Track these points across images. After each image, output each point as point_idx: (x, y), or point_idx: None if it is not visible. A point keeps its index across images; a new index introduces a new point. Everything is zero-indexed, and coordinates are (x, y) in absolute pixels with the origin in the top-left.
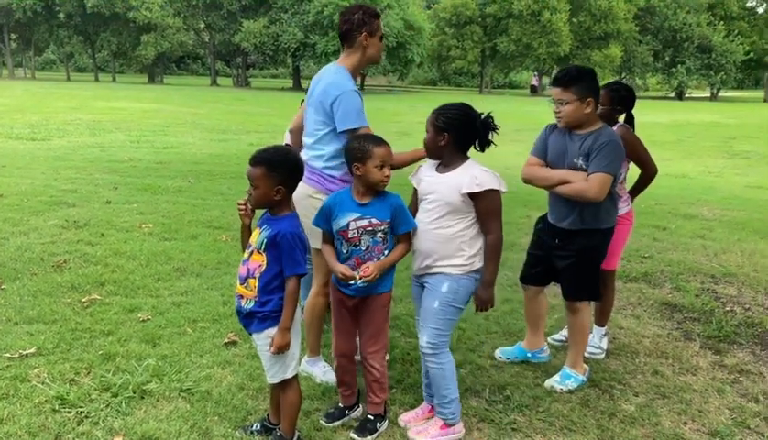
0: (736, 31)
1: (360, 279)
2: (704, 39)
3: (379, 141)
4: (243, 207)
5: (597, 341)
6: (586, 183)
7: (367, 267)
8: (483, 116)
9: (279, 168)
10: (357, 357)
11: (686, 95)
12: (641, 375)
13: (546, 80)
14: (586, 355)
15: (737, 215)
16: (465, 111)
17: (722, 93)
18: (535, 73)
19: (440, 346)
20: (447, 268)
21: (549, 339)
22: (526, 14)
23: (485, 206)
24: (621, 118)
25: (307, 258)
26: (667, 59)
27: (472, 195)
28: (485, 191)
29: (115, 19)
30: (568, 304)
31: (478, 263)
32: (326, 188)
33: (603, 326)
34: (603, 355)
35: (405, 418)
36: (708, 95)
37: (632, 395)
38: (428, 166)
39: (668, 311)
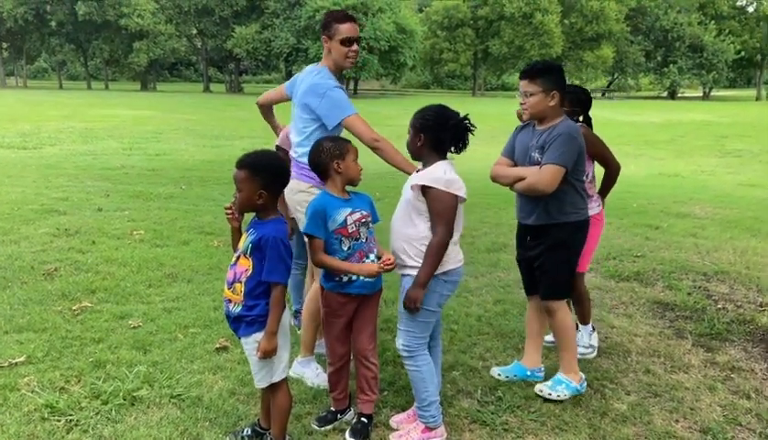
0: (727, 30)
1: (385, 267)
2: (695, 39)
3: (345, 139)
4: (230, 211)
5: (586, 340)
6: (536, 176)
7: (389, 258)
8: (459, 117)
9: (262, 172)
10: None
11: (679, 95)
12: (632, 374)
13: None
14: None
15: (729, 213)
16: (440, 112)
17: (714, 92)
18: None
19: (415, 349)
20: (413, 269)
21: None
22: (518, 16)
23: (432, 206)
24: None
25: (298, 264)
26: (659, 58)
27: (424, 193)
28: (432, 189)
29: (107, 27)
30: (544, 305)
31: (446, 265)
32: (320, 182)
33: (588, 324)
34: (594, 353)
35: (396, 419)
36: (701, 95)
37: (624, 394)
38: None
39: (660, 309)
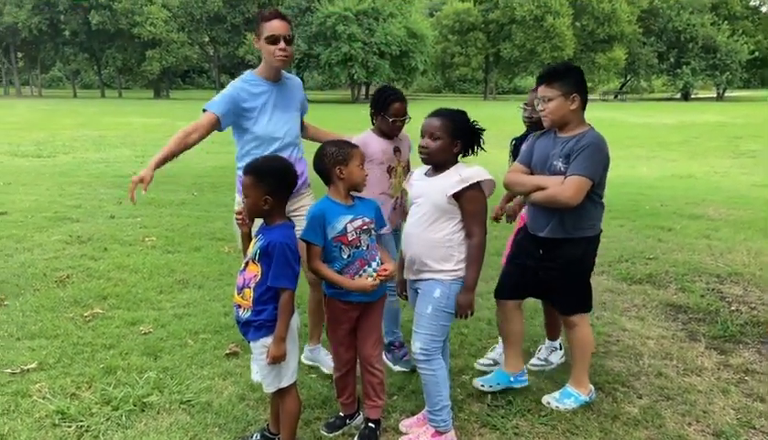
0: (740, 31)
1: (379, 279)
2: (708, 40)
3: (351, 143)
4: (240, 217)
5: (544, 354)
6: (560, 187)
7: (385, 268)
8: (473, 122)
9: (266, 177)
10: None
11: (692, 96)
12: (644, 377)
13: None
14: (528, 366)
15: (743, 215)
16: (467, 117)
17: (728, 93)
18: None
19: (432, 353)
20: (438, 273)
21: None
22: (529, 19)
23: (468, 208)
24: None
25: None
26: (672, 60)
27: (457, 197)
28: (469, 192)
29: (120, 36)
30: (564, 320)
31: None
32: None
33: (555, 340)
34: (548, 367)
35: (406, 424)
36: (714, 96)
37: (636, 397)
38: (419, 171)
39: (673, 312)
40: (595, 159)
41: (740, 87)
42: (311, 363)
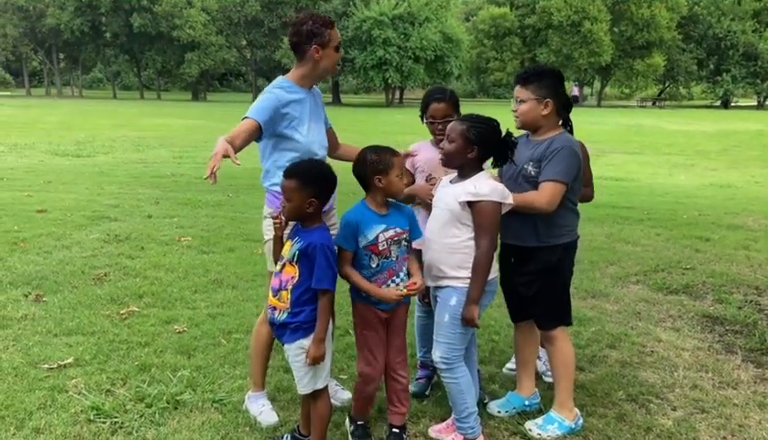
0: None
1: (408, 292)
2: (749, 47)
3: (393, 151)
4: (277, 220)
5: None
6: (536, 193)
7: (414, 283)
8: (505, 133)
9: (312, 181)
10: None
11: (732, 104)
12: (679, 389)
13: (588, 90)
14: (504, 370)
15: None
16: (493, 125)
17: None
18: (576, 83)
19: (453, 361)
20: (454, 280)
21: (504, 369)
22: (566, 24)
23: (477, 219)
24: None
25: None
26: (712, 67)
27: (471, 205)
28: (479, 202)
29: (160, 38)
30: (542, 334)
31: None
32: (278, 206)
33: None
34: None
35: (436, 429)
36: (755, 104)
37: (670, 409)
38: (446, 178)
39: (709, 323)
40: (567, 162)
41: None
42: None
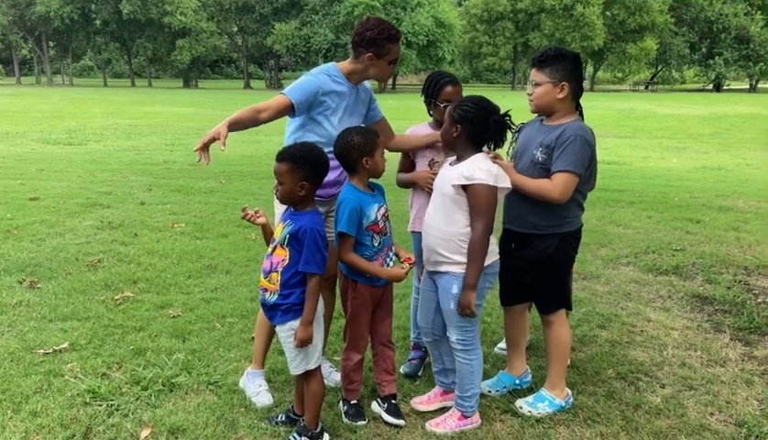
0: None
1: (410, 267)
2: (741, 30)
3: (375, 132)
4: (248, 215)
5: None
6: (550, 183)
7: (408, 257)
8: (501, 113)
9: (303, 163)
10: None
11: (724, 87)
12: (668, 367)
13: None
14: (495, 350)
15: None
16: (482, 106)
17: (762, 85)
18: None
19: (470, 342)
20: (452, 266)
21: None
22: (558, 8)
23: (471, 200)
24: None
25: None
26: (704, 50)
27: (465, 188)
28: (472, 185)
29: (151, 25)
30: (541, 317)
31: (487, 259)
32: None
33: None
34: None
35: (417, 401)
36: (747, 87)
37: (659, 387)
38: (450, 160)
39: (699, 303)
40: (580, 153)
41: None
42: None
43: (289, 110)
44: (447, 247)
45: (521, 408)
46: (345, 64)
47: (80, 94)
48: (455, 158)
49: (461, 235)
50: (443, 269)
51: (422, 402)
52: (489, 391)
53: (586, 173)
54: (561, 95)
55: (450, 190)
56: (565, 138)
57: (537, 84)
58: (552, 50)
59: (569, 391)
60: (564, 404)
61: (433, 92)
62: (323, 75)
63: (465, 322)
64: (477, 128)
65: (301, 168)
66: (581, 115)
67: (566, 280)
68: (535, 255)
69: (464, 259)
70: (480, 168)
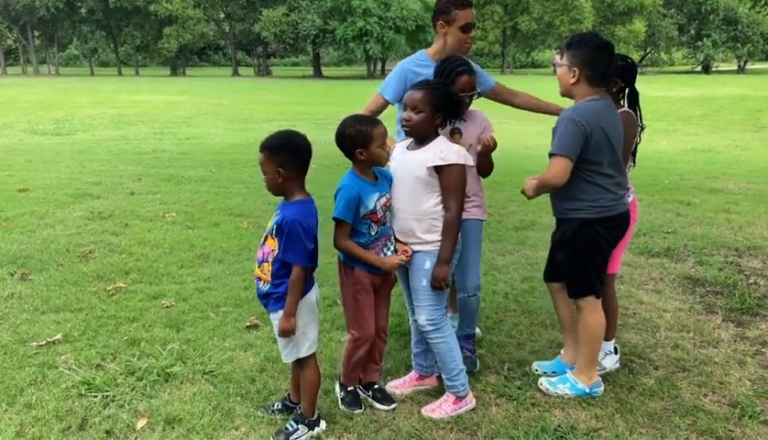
0: (762, 2)
1: (407, 258)
2: (729, 12)
3: (374, 121)
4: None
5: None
6: (547, 169)
7: (406, 250)
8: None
9: (278, 151)
10: None
11: (713, 69)
12: (661, 349)
13: None
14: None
15: (763, 188)
16: (448, 89)
17: (750, 66)
18: (557, 51)
19: (439, 320)
20: (425, 245)
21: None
22: None
23: (446, 181)
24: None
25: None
26: (692, 32)
27: (438, 170)
28: (448, 165)
29: (137, 13)
30: (574, 303)
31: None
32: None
33: (609, 341)
34: (600, 372)
35: (393, 384)
36: (736, 68)
37: (652, 369)
38: (401, 145)
39: (690, 285)
40: (563, 133)
41: (761, 59)
42: None
43: (385, 106)
44: (421, 228)
45: (541, 384)
46: (431, 47)
47: (66, 84)
48: (410, 142)
49: (432, 213)
50: (414, 248)
51: (396, 386)
52: (537, 371)
53: (594, 153)
54: (572, 80)
55: (423, 172)
56: (558, 122)
57: (560, 66)
58: (578, 36)
59: (599, 379)
60: (587, 390)
61: (447, 79)
62: (408, 64)
63: (434, 299)
64: (452, 111)
65: (275, 155)
66: (631, 103)
67: (588, 268)
68: (559, 237)
69: (435, 238)
70: (452, 150)
